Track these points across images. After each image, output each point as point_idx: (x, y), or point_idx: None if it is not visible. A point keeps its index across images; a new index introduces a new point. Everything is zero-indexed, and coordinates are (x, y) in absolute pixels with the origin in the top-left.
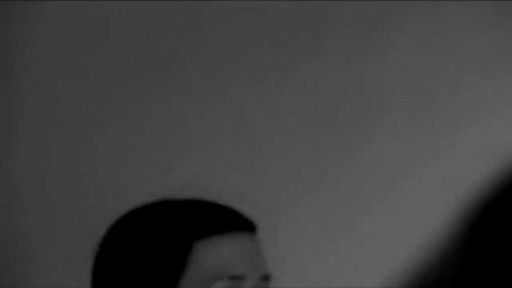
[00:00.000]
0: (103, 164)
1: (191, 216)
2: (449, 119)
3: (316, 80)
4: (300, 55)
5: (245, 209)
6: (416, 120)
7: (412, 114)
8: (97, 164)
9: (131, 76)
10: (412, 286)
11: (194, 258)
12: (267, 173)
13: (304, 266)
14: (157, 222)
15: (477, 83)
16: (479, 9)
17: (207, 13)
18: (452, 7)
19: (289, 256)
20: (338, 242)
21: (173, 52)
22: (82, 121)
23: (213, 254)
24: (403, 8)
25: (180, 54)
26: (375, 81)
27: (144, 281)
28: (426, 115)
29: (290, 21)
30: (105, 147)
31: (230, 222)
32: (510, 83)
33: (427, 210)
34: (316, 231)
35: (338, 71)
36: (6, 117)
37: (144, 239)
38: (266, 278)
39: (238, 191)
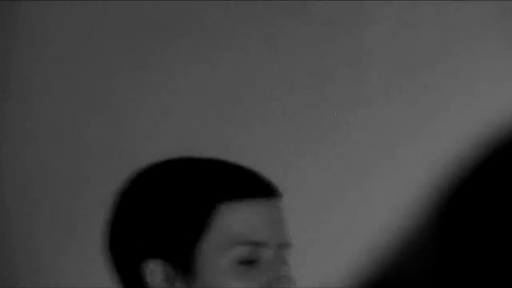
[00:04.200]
0: (109, 125)
1: (216, 177)
2: (435, 85)
3: (305, 44)
4: (290, 20)
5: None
6: (404, 85)
7: (399, 79)
8: (103, 126)
9: (133, 39)
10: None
11: (216, 220)
12: (259, 137)
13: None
14: (181, 180)
15: (466, 49)
16: None
17: None
18: None
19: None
20: (330, 206)
21: (168, 16)
22: (88, 85)
23: (236, 218)
24: None
25: (175, 19)
26: (363, 45)
27: (163, 239)
28: (413, 81)
29: None
30: (111, 109)
31: (255, 187)
32: (498, 47)
33: (410, 175)
34: (308, 194)
35: (327, 34)
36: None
37: (166, 197)
38: (285, 245)
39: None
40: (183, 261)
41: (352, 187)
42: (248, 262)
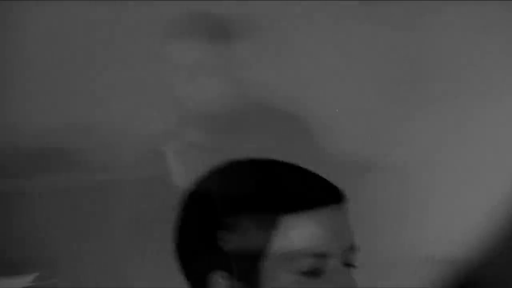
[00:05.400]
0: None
1: (279, 189)
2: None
3: (372, 45)
4: (356, 20)
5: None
6: (472, 86)
7: (466, 81)
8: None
9: None
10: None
11: (279, 233)
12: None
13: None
14: (246, 190)
15: None
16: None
17: None
18: None
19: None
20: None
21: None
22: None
23: (299, 230)
24: None
25: None
26: (429, 47)
27: (225, 252)
28: (482, 82)
29: None
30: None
31: (320, 197)
32: None
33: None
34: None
35: (392, 35)
36: None
37: (230, 208)
38: (351, 249)
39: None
40: (247, 274)
41: (431, 192)
42: (313, 273)
